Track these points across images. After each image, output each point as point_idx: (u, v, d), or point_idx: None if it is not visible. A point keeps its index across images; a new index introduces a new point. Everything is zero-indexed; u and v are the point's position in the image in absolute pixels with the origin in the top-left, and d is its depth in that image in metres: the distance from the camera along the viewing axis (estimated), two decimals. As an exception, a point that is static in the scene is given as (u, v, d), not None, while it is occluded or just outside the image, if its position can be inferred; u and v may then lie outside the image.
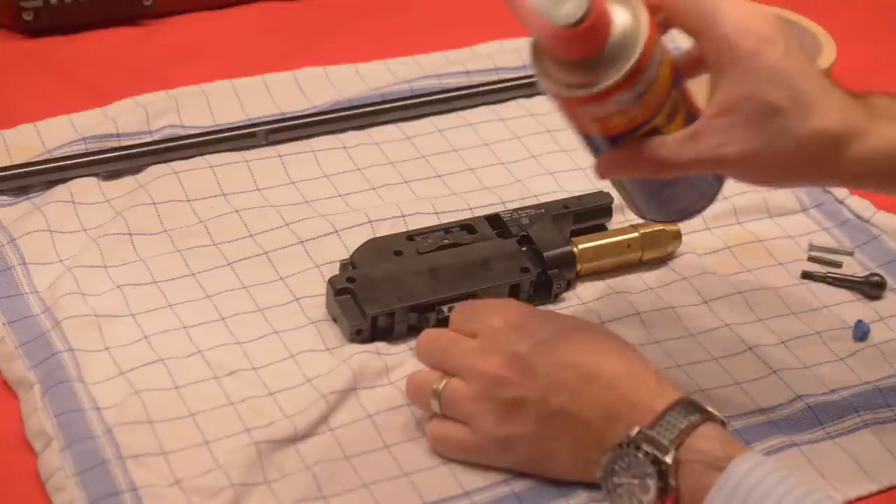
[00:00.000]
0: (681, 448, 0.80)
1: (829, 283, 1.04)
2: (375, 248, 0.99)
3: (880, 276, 1.05)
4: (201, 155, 1.07)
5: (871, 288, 1.04)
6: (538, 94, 1.19)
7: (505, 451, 0.86)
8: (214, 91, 1.15)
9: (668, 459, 0.80)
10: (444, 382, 0.86)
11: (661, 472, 0.80)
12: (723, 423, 0.83)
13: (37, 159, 1.05)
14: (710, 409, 0.82)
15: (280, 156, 1.09)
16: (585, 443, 0.83)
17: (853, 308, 1.03)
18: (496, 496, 0.86)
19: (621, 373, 0.83)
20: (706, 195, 0.87)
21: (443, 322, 0.93)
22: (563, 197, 1.05)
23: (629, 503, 0.81)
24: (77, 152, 1.06)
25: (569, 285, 1.01)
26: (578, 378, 0.83)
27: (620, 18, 0.77)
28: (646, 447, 0.80)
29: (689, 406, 0.82)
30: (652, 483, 0.80)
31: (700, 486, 0.79)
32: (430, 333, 0.89)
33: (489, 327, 0.86)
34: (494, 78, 1.20)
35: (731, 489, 0.78)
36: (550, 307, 0.99)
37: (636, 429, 0.81)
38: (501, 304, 0.88)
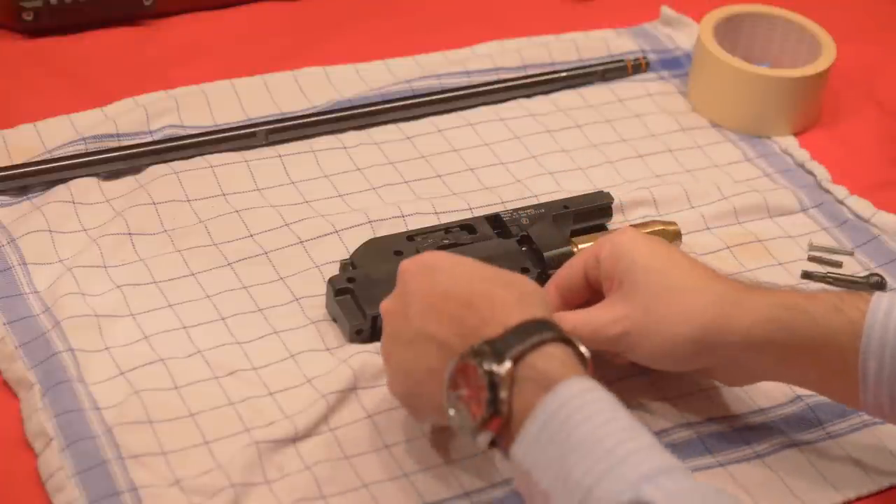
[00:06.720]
0: (520, 363, 0.76)
1: (830, 283, 1.04)
2: (375, 248, 0.99)
3: (880, 276, 1.05)
4: (201, 155, 1.07)
5: (871, 288, 1.04)
6: (538, 94, 1.19)
7: (400, 385, 0.84)
8: (214, 91, 1.15)
9: (502, 371, 0.76)
10: None
11: (493, 384, 0.76)
12: (578, 350, 0.79)
13: (37, 159, 1.05)
14: (570, 337, 0.79)
15: (280, 156, 1.09)
16: (444, 363, 0.80)
17: (853, 308, 1.02)
18: (496, 496, 0.86)
19: (486, 293, 0.80)
20: None
21: (443, 322, 0.93)
22: (563, 197, 1.05)
23: (464, 417, 0.78)
24: (77, 152, 1.06)
25: (569, 285, 1.01)
26: (442, 299, 0.81)
27: None
28: (485, 360, 0.77)
29: (544, 326, 0.78)
30: (484, 397, 0.76)
31: (528, 405, 0.76)
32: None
33: (404, 271, 0.84)
34: (494, 78, 1.20)
35: (552, 410, 0.74)
36: (550, 307, 0.99)
37: (480, 340, 0.78)
38: (427, 256, 0.85)
